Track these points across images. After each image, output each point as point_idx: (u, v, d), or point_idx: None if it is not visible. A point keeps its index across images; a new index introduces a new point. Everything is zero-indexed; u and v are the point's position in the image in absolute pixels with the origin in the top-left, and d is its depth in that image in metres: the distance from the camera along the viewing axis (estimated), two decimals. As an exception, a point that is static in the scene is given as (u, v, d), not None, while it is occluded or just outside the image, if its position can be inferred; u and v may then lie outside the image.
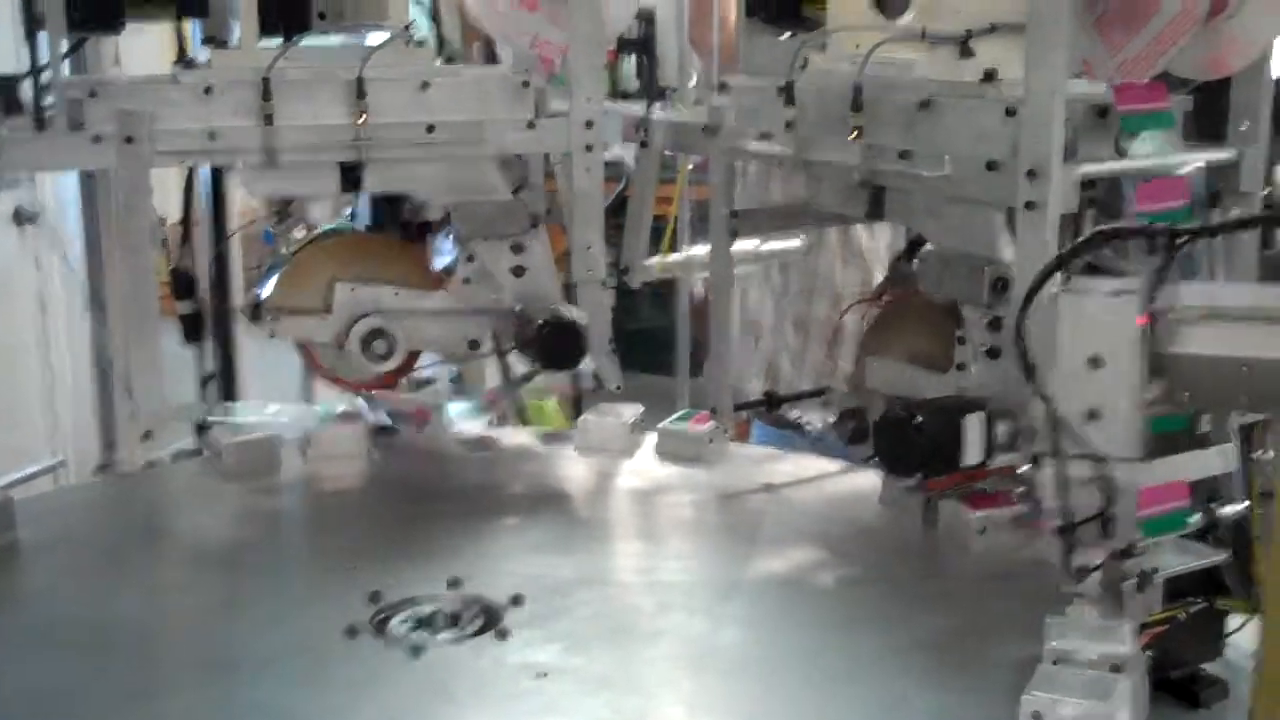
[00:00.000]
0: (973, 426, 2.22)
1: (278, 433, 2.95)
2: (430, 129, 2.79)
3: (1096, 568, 1.90)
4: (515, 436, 3.20)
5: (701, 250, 3.05)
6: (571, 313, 2.92)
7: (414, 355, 3.04)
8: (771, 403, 2.82)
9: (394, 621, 2.15)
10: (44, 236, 5.38)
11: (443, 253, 3.08)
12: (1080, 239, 1.85)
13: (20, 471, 4.40)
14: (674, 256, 3.18)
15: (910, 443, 2.23)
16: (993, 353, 2.32)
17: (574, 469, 2.94)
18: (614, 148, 3.43)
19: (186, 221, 3.23)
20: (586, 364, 3.16)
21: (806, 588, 2.31)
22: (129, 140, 2.64)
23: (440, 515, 2.63)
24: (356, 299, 2.92)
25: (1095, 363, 1.85)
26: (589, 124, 2.86)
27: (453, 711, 1.94)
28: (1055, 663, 1.83)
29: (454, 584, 2.23)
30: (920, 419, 2.22)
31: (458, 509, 2.67)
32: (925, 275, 2.45)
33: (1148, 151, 2.18)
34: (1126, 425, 1.85)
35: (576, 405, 5.58)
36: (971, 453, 2.22)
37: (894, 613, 2.18)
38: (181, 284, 3.19)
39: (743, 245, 2.98)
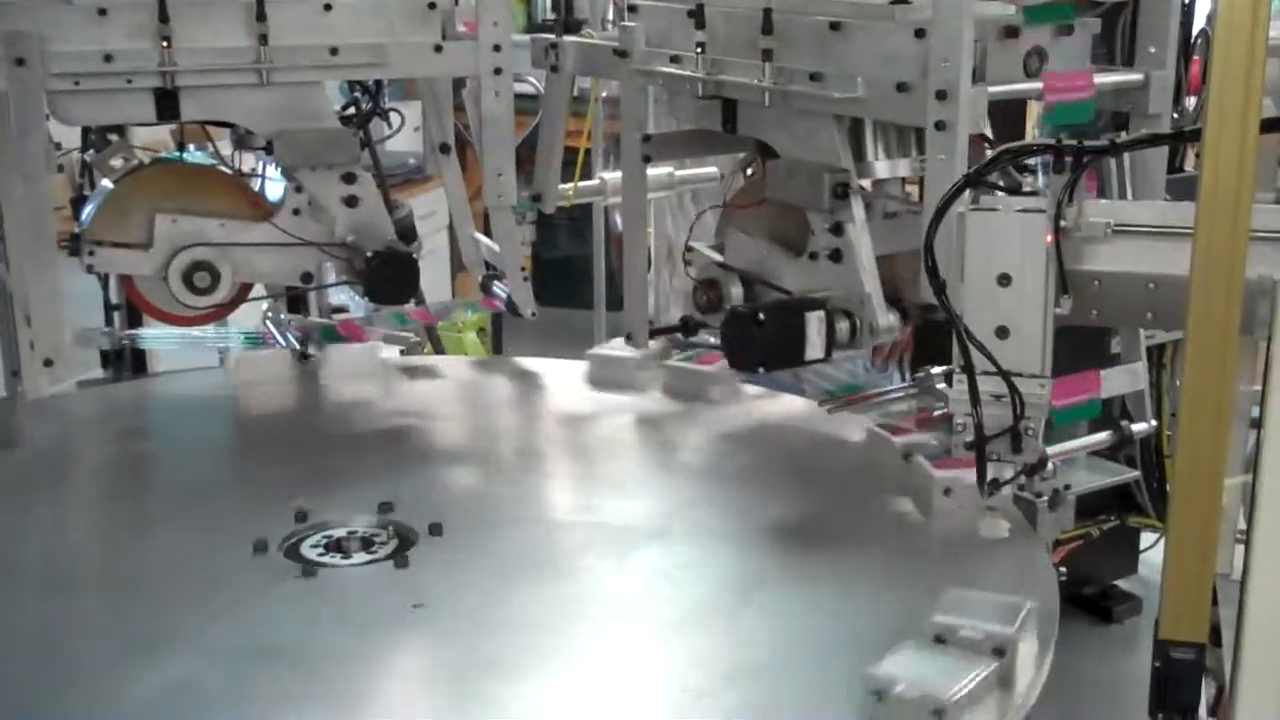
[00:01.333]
0: (814, 324, 2.36)
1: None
2: (334, 51, 2.73)
3: (1008, 482, 1.92)
4: (438, 362, 3.16)
5: (615, 176, 3.03)
6: (402, 245, 2.85)
7: (245, 288, 2.94)
8: (688, 328, 2.80)
9: (306, 545, 2.12)
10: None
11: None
12: (989, 157, 1.85)
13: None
14: (587, 182, 3.14)
15: (754, 339, 2.36)
16: (834, 256, 2.44)
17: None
18: (528, 79, 3.38)
19: (85, 146, 3.14)
20: (501, 290, 3.14)
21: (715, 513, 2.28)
22: (20, 62, 2.55)
23: (365, 442, 2.59)
24: (179, 231, 2.82)
25: (1004, 280, 1.86)
26: (497, 47, 2.80)
27: (319, 631, 1.89)
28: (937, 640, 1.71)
29: (385, 508, 2.19)
30: (763, 316, 2.36)
31: (383, 436, 2.63)
32: (773, 183, 2.51)
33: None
34: (1034, 342, 1.86)
35: (497, 338, 5.56)
36: (813, 348, 2.37)
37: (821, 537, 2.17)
38: (77, 208, 3.10)
39: (656, 172, 2.96)
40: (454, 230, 3.37)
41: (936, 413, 2.54)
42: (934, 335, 2.57)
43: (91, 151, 2.93)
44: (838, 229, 2.42)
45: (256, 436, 2.79)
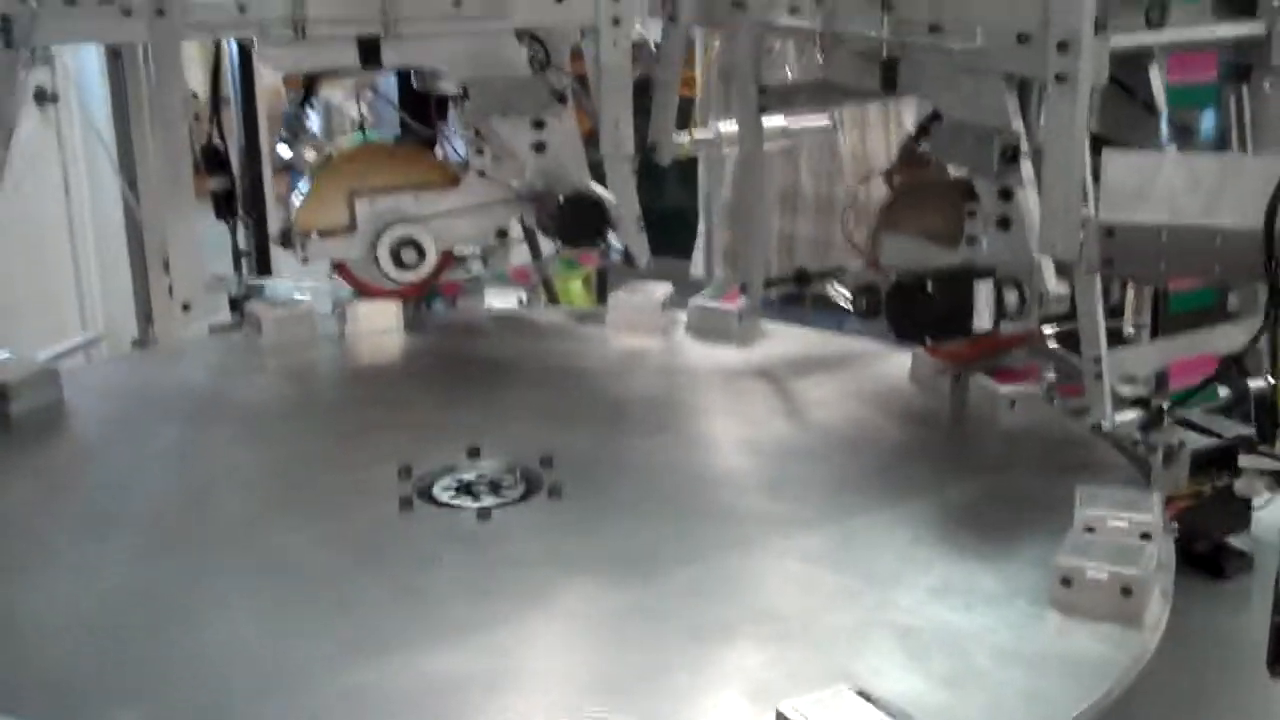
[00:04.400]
0: (982, 294, 2.30)
1: (312, 306, 2.99)
2: (456, 3, 2.79)
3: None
4: (546, 314, 3.23)
5: (728, 126, 3.06)
6: (595, 189, 2.92)
7: (448, 254, 3.06)
8: (801, 279, 2.84)
9: (437, 488, 2.20)
10: (65, 116, 5.39)
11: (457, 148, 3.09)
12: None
13: (57, 347, 4.45)
14: (700, 132, 3.18)
15: (921, 309, 2.31)
16: (1003, 222, 2.36)
17: (604, 346, 2.96)
18: (637, 27, 3.40)
19: (215, 98, 3.24)
20: (614, 240, 3.19)
21: (838, 463, 2.33)
22: (160, 13, 2.64)
23: (469, 389, 2.67)
24: (377, 210, 2.94)
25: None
26: (616, -3, 2.85)
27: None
28: (1086, 530, 1.88)
29: (473, 453, 2.27)
30: (930, 286, 2.29)
31: (486, 383, 2.70)
32: (937, 147, 2.49)
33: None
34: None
35: (601, 285, 5.63)
36: (981, 319, 2.31)
37: (925, 484, 2.21)
38: (212, 160, 3.21)
39: (770, 122, 2.98)
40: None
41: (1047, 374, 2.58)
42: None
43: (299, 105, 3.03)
44: (1006, 194, 2.34)
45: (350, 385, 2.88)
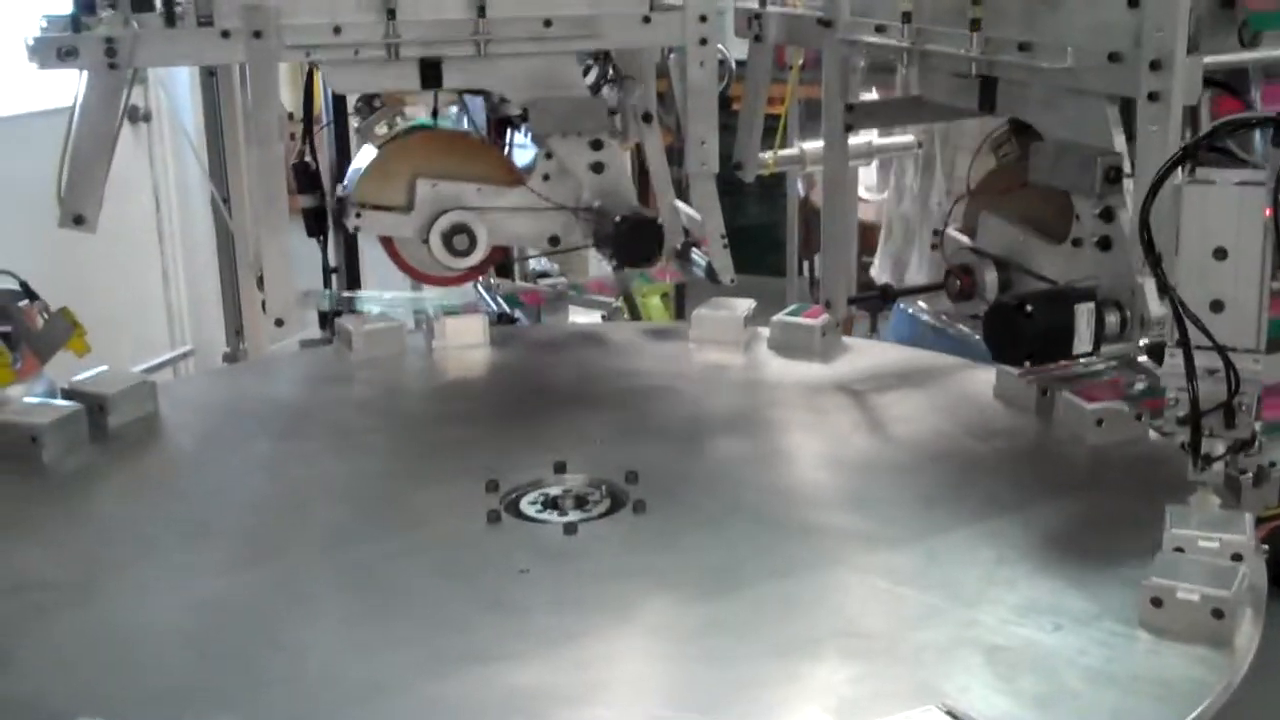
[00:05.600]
0: (1083, 316, 2.28)
1: (403, 321, 3.03)
2: (547, 23, 2.83)
3: (1220, 457, 1.92)
4: (628, 329, 3.24)
5: (813, 145, 3.07)
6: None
7: (497, 250, 3.09)
8: (887, 296, 2.84)
9: (524, 503, 2.22)
10: (157, 134, 5.52)
11: (526, 149, 3.13)
12: (1207, 129, 1.85)
13: (149, 361, 4.55)
14: (786, 151, 3.19)
15: (1020, 331, 2.28)
16: (1104, 243, 2.35)
17: (687, 362, 2.96)
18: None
19: (308, 117, 3.31)
20: (699, 257, 3.21)
21: (923, 480, 2.31)
22: (257, 35, 2.70)
23: (552, 404, 2.69)
24: (438, 195, 2.98)
25: (1220, 254, 1.86)
26: (703, 18, 2.87)
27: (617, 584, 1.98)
28: (1176, 550, 1.86)
29: (559, 469, 2.29)
30: (1031, 308, 2.27)
31: (570, 399, 2.72)
32: (1037, 166, 2.45)
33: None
34: (1250, 317, 1.86)
35: (680, 301, 5.66)
36: (1082, 342, 2.28)
37: (1011, 503, 2.19)
38: (303, 178, 3.28)
39: (855, 141, 2.98)
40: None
41: (1137, 386, 2.55)
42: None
43: (359, 118, 3.10)
44: (1108, 215, 2.34)
45: (439, 399, 2.90)
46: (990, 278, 2.62)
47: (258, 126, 2.78)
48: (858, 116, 2.79)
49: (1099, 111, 2.28)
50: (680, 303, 5.68)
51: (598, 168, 2.97)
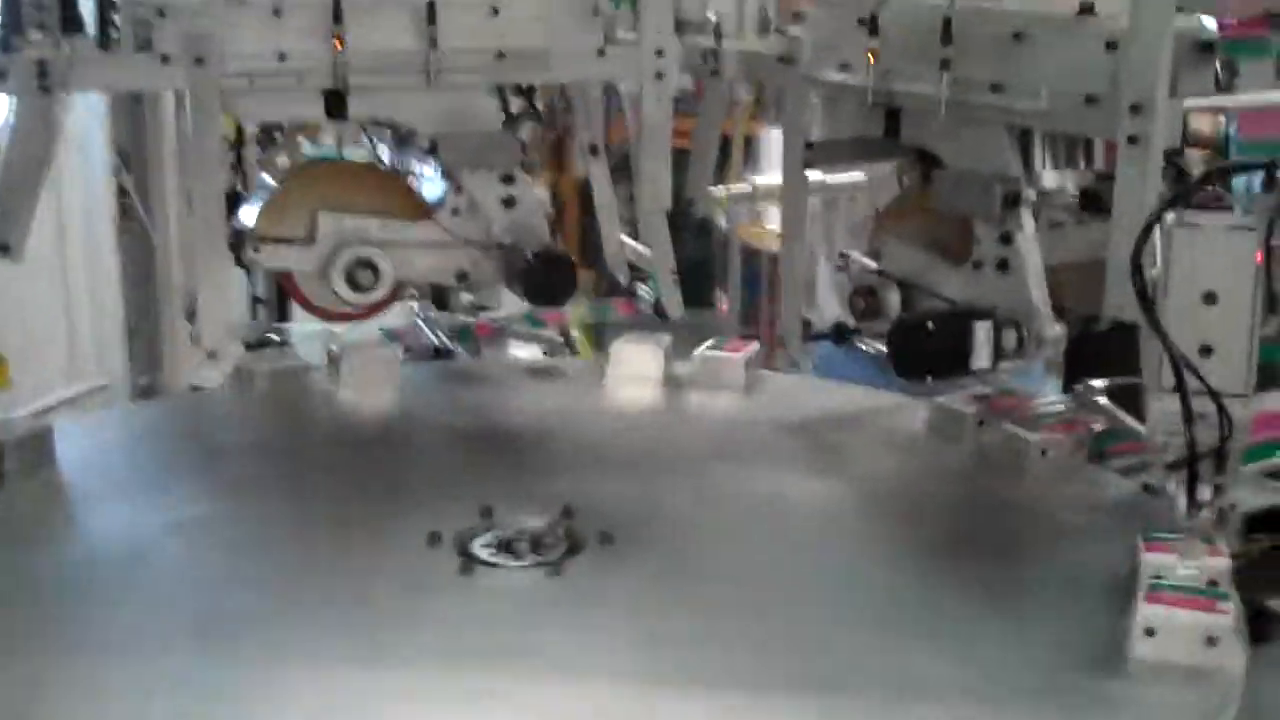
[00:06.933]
0: (982, 333, 2.39)
1: (315, 358, 2.86)
2: (500, 55, 2.77)
3: (1209, 503, 1.91)
4: (546, 364, 3.14)
5: (765, 181, 3.04)
6: (559, 247, 2.86)
7: (400, 286, 2.97)
8: (840, 335, 2.81)
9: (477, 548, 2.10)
10: (63, 156, 5.32)
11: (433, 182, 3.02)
12: (1201, 174, 1.84)
13: (57, 394, 4.37)
14: (738, 186, 3.16)
15: (921, 347, 2.42)
16: (1002, 265, 2.46)
17: (605, 398, 2.81)
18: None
19: (239, 143, 3.19)
20: (646, 293, 3.16)
21: (860, 520, 2.26)
22: (199, 62, 2.61)
23: (470, 446, 2.55)
24: (341, 228, 2.86)
25: (1210, 298, 1.85)
26: (659, 52, 2.83)
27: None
28: (1154, 579, 1.81)
29: (486, 513, 2.15)
30: (931, 325, 2.42)
31: (486, 438, 2.59)
32: (939, 192, 2.54)
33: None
34: (1239, 361, 1.86)
35: (599, 335, 5.60)
36: (980, 358, 2.40)
37: (959, 543, 2.15)
38: (231, 206, 3.16)
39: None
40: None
41: (1095, 425, 2.56)
42: (1091, 346, 2.58)
43: (258, 149, 2.99)
44: (1006, 238, 2.44)
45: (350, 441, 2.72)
46: (894, 298, 2.67)
47: (198, 155, 2.67)
48: (817, 154, 2.76)
49: (997, 139, 2.42)
50: (599, 335, 5.63)
51: (509, 202, 2.88)
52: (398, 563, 2.07)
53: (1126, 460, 2.53)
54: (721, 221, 5.30)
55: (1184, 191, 1.84)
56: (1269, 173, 1.84)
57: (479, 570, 2.04)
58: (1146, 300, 1.84)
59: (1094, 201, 2.57)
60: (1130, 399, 2.74)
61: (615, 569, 2.05)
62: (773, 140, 3.80)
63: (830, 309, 3.39)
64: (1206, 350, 1.87)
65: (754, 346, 2.84)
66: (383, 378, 2.78)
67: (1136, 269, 1.85)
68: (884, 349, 2.90)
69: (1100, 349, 2.52)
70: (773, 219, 4.46)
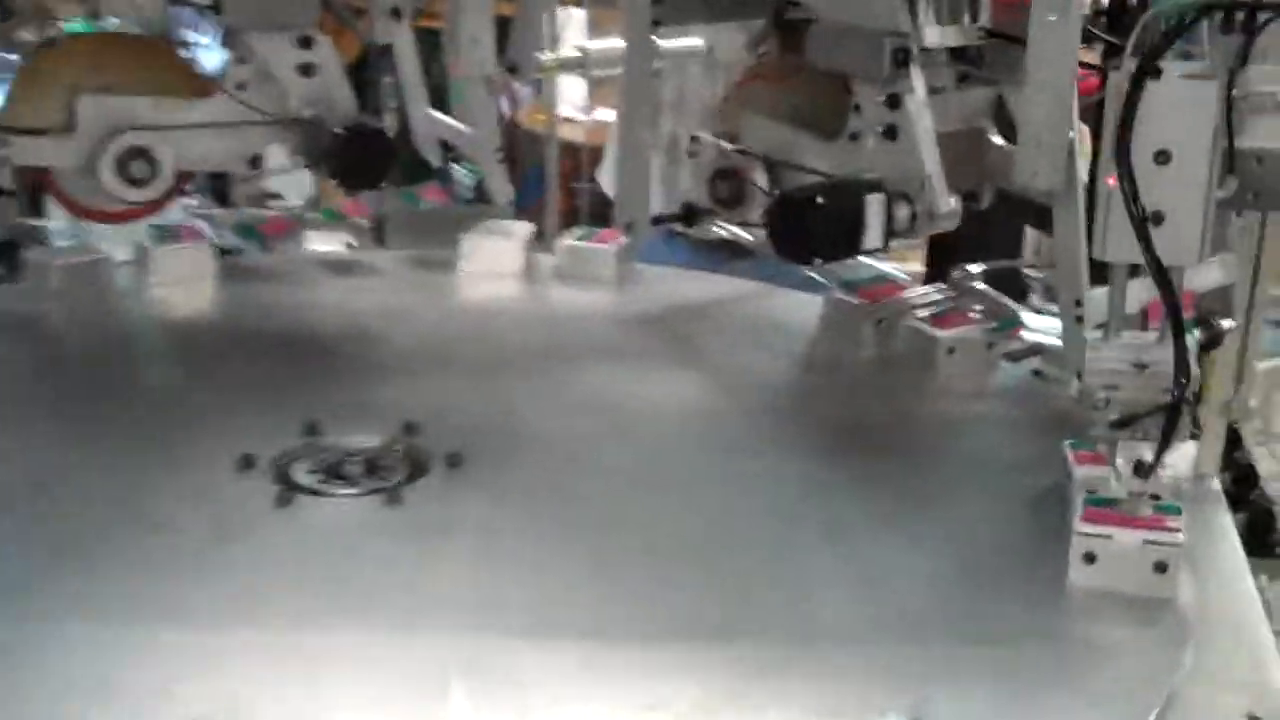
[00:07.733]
0: (874, 207, 2.08)
1: (105, 254, 2.50)
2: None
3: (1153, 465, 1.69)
4: (380, 258, 2.79)
5: (599, 45, 2.71)
6: (371, 119, 2.55)
7: (184, 176, 2.59)
8: (690, 217, 2.52)
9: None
10: None
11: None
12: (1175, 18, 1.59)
13: None
14: (566, 51, 2.82)
15: (810, 225, 2.07)
16: (889, 132, 2.17)
17: (460, 294, 2.57)
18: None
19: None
20: (461, 174, 2.82)
21: (754, 420, 2.06)
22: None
23: (294, 351, 2.25)
24: (105, 113, 2.43)
25: (1161, 157, 1.62)
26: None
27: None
28: (1088, 493, 1.66)
29: (310, 430, 1.88)
30: (821, 200, 2.06)
31: (315, 343, 2.30)
32: (815, 50, 2.23)
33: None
34: (1193, 230, 1.63)
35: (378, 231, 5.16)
36: (872, 236, 2.09)
37: (869, 446, 1.99)
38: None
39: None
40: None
41: (972, 313, 2.37)
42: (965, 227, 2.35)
43: None
44: (893, 101, 2.15)
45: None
46: (761, 180, 2.38)
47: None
48: (666, 11, 2.44)
49: None
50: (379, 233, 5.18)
51: (307, 70, 2.50)
52: (201, 493, 1.74)
53: (1013, 345, 2.36)
54: (504, 104, 4.96)
55: (1158, 45, 1.58)
56: (1227, 12, 1.60)
57: (300, 500, 1.73)
58: (1141, 218, 1.60)
59: (971, 63, 2.34)
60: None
61: (465, 496, 1.76)
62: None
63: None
64: (1158, 218, 1.63)
65: (623, 238, 2.60)
66: (191, 275, 2.47)
67: (1125, 173, 1.58)
68: (744, 234, 2.67)
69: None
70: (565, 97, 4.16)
